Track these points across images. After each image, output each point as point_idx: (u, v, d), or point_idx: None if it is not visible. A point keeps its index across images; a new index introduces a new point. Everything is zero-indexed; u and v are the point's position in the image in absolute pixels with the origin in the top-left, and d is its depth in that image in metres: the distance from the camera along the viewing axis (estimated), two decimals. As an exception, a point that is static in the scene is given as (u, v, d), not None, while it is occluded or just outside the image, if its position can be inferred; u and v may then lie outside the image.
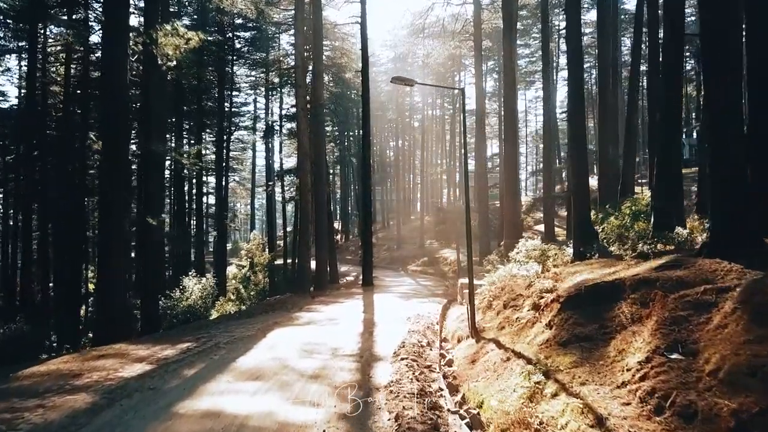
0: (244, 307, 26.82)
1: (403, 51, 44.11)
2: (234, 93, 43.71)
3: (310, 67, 24.13)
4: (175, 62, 14.67)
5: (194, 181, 36.31)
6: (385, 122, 62.46)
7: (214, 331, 10.73)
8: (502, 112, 44.12)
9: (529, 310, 8.97)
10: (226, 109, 35.81)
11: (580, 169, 12.74)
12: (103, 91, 11.85)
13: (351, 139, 58.79)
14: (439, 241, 41.38)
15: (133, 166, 27.94)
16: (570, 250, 12.94)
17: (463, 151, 9.43)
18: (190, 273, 18.58)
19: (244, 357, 8.07)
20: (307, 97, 24.60)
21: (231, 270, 44.61)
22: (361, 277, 24.89)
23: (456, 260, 30.69)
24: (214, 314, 22.16)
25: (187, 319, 15.15)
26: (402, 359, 7.79)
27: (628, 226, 13.40)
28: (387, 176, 69.07)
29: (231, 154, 54.95)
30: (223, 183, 33.53)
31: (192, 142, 33.66)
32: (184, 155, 15.11)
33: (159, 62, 14.32)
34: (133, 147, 19.49)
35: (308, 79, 25.36)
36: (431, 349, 9.13)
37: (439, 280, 30.37)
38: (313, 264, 24.71)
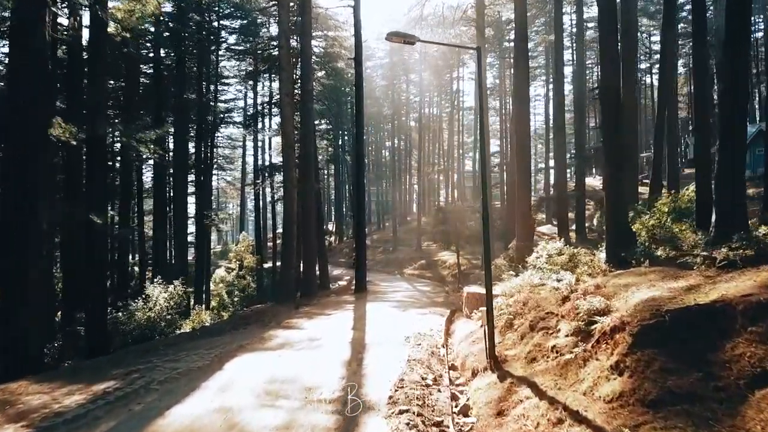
0: (226, 315, 24.52)
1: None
2: (222, 88, 41.37)
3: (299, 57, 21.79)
4: (129, 34, 12.34)
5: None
6: (381, 120, 60.16)
7: (159, 359, 8.40)
8: (508, 101, 41.92)
9: (569, 336, 6.71)
10: (211, 103, 33.39)
11: (615, 157, 10.48)
12: (13, 55, 9.54)
13: (346, 137, 56.52)
14: (437, 243, 39.24)
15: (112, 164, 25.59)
16: (602, 255, 10.72)
17: (479, 126, 7.18)
18: (155, 279, 16.23)
19: (180, 406, 5.76)
20: (296, 88, 22.42)
21: (219, 273, 42.40)
22: (354, 282, 22.66)
23: (455, 263, 28.55)
24: (187, 326, 19.85)
25: (144, 336, 12.82)
26: (401, 412, 5.52)
27: (667, 226, 11.27)
28: (383, 176, 66.84)
29: (221, 152, 52.59)
30: (203, 180, 30.97)
31: (173, 136, 31.29)
32: (143, 142, 12.76)
33: (110, 30, 12.02)
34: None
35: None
36: (439, 389, 6.83)
37: (437, 284, 28.17)
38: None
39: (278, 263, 36.52)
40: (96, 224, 11.11)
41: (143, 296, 15.16)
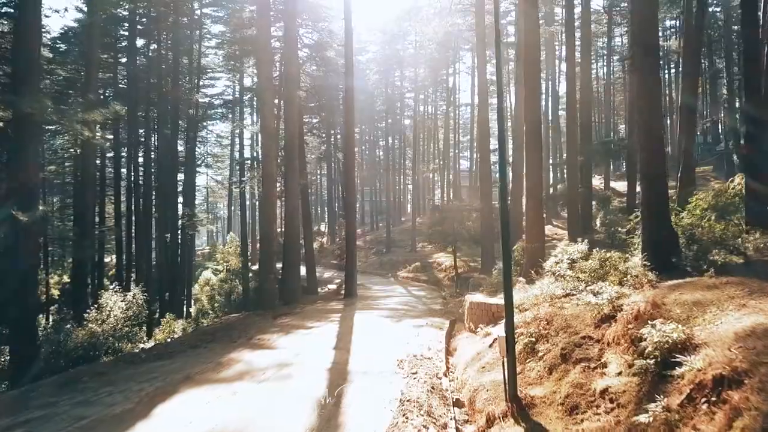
0: (206, 321, 22.45)
1: (393, 29, 39.93)
2: (209, 82, 39.20)
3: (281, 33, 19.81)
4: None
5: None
6: (374, 118, 58.15)
7: (72, 398, 6.37)
8: (507, 98, 39.99)
9: (625, 376, 4.79)
10: (195, 96, 31.23)
11: (653, 140, 8.54)
12: None
13: (338, 136, 54.48)
14: (432, 244, 37.41)
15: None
16: (635, 259, 8.81)
17: (497, 86, 5.26)
18: (111, 286, 14.18)
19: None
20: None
21: (206, 275, 40.46)
22: (343, 286, 20.77)
23: (452, 266, 26.71)
24: (157, 336, 17.83)
25: (87, 356, 10.75)
26: None
27: (709, 225, 9.40)
28: (377, 175, 64.87)
29: (210, 150, 50.42)
30: (186, 178, 28.86)
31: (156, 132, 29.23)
32: (86, 123, 10.72)
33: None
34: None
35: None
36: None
37: (433, 288, 26.24)
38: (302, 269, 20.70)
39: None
40: (21, 222, 9.09)
41: (96, 306, 13.11)
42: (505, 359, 5.81)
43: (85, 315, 13.07)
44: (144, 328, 18.66)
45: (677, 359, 4.09)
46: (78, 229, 16.27)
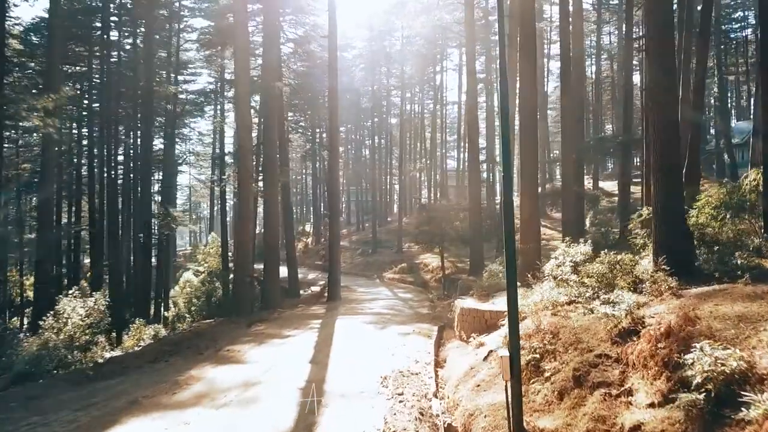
0: (183, 325, 21.29)
1: (380, 24, 39.00)
2: (190, 78, 37.87)
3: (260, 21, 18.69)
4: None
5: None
6: (360, 116, 57.09)
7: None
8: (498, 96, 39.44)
9: (661, 409, 3.85)
10: (173, 92, 29.93)
11: (669, 128, 7.65)
12: None
13: (324, 135, 53.41)
14: (419, 245, 36.55)
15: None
16: (644, 261, 7.95)
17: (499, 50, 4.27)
18: (71, 290, 12.97)
19: None
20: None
21: (187, 276, 39.22)
22: (327, 289, 19.81)
23: (440, 267, 25.86)
24: (127, 343, 16.66)
25: (37, 371, 9.56)
26: None
27: (722, 224, 8.62)
28: (363, 175, 63.90)
29: (193, 148, 48.96)
30: (163, 176, 27.58)
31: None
32: (35, 110, 9.54)
33: None
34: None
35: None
36: None
37: (420, 290, 25.35)
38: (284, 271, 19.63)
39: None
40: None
41: (52, 312, 11.89)
42: (509, 384, 4.85)
43: (41, 323, 11.90)
44: (113, 334, 17.44)
45: (744, 397, 3.15)
46: (39, 228, 15.07)
